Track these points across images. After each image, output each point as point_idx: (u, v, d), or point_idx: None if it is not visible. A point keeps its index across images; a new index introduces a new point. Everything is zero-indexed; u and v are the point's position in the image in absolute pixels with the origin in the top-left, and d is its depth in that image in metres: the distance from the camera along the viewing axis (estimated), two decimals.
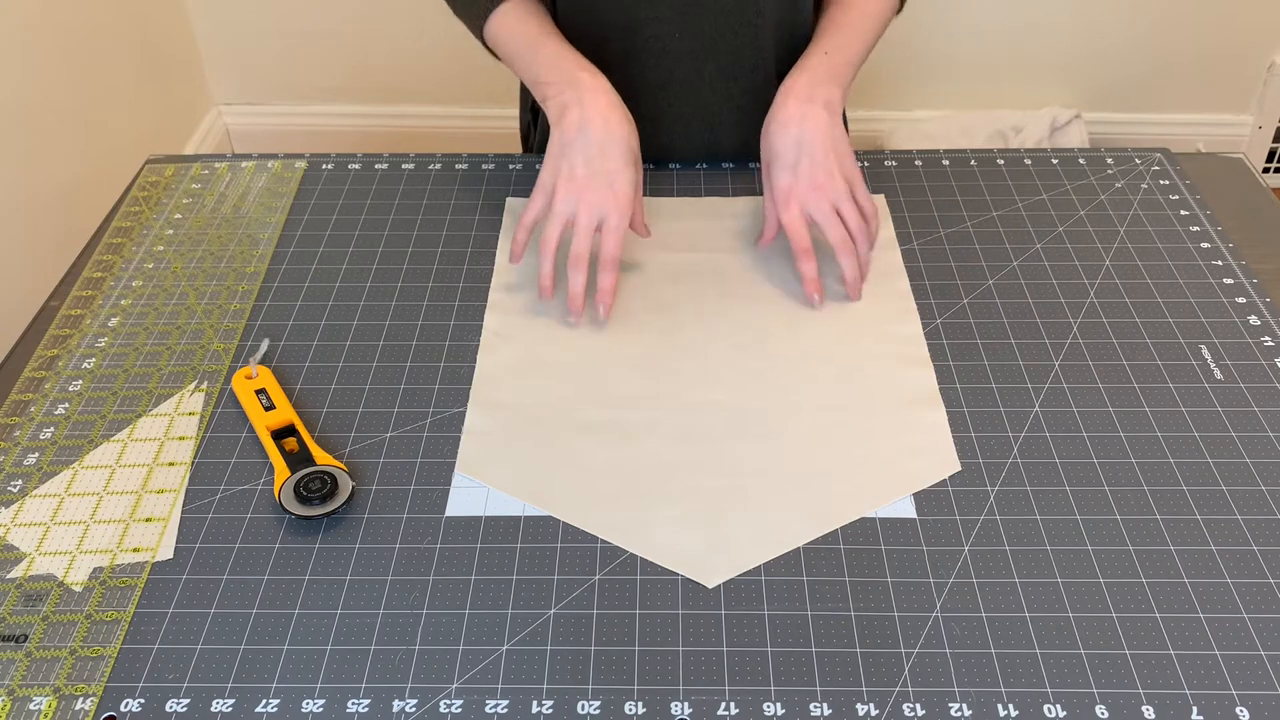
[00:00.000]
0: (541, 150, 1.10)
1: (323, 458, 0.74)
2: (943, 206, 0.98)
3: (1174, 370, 0.81)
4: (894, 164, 1.05)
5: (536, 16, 0.93)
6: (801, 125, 0.85)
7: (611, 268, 0.84)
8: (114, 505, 0.73)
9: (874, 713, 0.60)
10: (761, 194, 1.00)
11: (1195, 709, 0.60)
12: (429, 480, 0.74)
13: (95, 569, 0.69)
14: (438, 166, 1.05)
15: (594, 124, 0.84)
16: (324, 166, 1.06)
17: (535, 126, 1.14)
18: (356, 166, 1.05)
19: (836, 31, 0.92)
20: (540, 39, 0.91)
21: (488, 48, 0.96)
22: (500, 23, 0.93)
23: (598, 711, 0.61)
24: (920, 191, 1.00)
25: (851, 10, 0.94)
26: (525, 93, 1.14)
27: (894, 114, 2.31)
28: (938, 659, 0.63)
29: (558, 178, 0.84)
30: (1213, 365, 0.81)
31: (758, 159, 1.04)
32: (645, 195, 1.00)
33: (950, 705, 0.60)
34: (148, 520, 0.72)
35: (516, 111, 1.22)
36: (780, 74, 1.01)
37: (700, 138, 1.03)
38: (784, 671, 0.62)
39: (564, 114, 0.85)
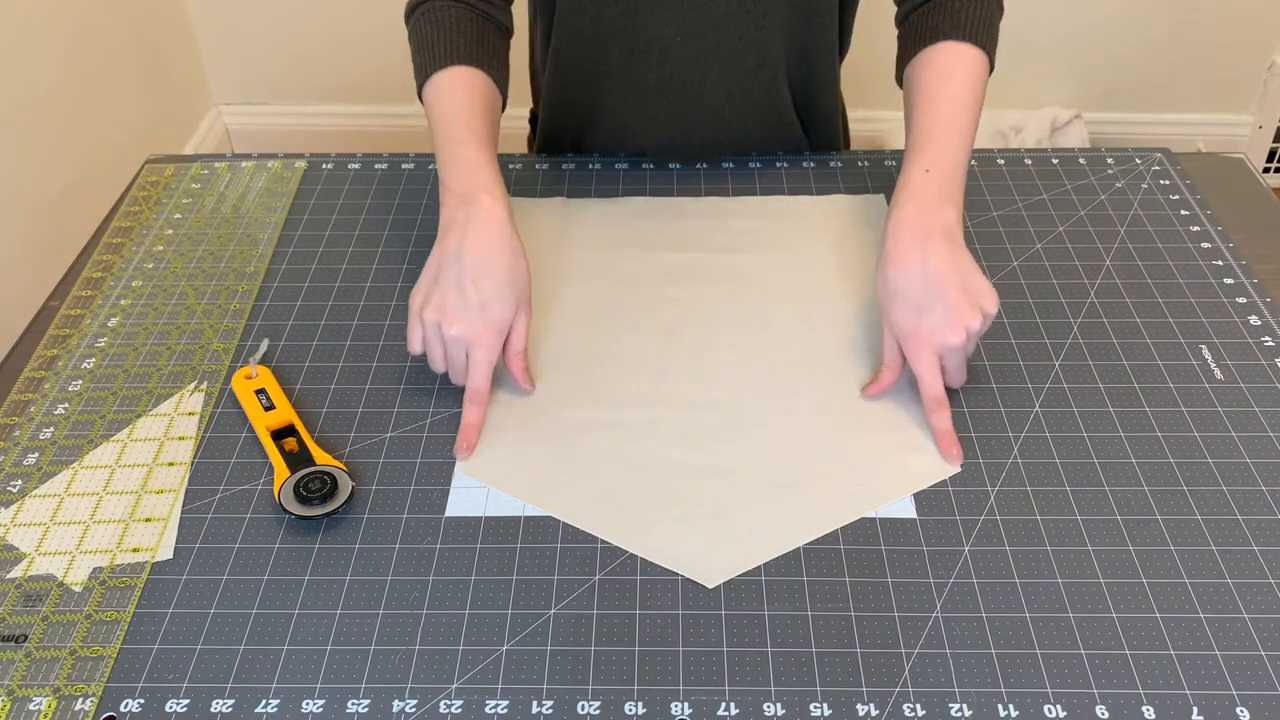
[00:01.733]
0: (540, 151, 1.10)
1: (322, 458, 0.74)
2: None
3: (1174, 370, 0.81)
4: (894, 164, 1.05)
5: (479, 96, 0.87)
6: (924, 262, 0.75)
7: (475, 401, 0.77)
8: (114, 505, 0.73)
9: (874, 713, 0.60)
10: (760, 193, 1.00)
11: (1195, 709, 0.60)
12: (429, 480, 0.74)
13: (95, 569, 0.69)
14: (437, 166, 1.05)
15: (472, 251, 0.77)
16: (324, 166, 1.05)
17: (536, 126, 1.14)
18: (356, 166, 1.05)
19: (929, 141, 0.82)
20: (468, 133, 0.84)
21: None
22: (437, 90, 0.87)
23: (598, 712, 0.61)
24: None
25: (939, 106, 0.84)
26: (533, 94, 1.14)
27: (894, 114, 2.28)
28: (938, 659, 0.62)
29: (426, 305, 0.77)
30: (1213, 365, 0.81)
31: (759, 156, 1.05)
32: (645, 194, 1.00)
33: (950, 705, 0.60)
34: (147, 520, 0.71)
35: (515, 111, 1.21)
36: (789, 75, 1.01)
37: (702, 134, 1.02)
38: (784, 671, 0.62)
39: (447, 233, 0.78)
